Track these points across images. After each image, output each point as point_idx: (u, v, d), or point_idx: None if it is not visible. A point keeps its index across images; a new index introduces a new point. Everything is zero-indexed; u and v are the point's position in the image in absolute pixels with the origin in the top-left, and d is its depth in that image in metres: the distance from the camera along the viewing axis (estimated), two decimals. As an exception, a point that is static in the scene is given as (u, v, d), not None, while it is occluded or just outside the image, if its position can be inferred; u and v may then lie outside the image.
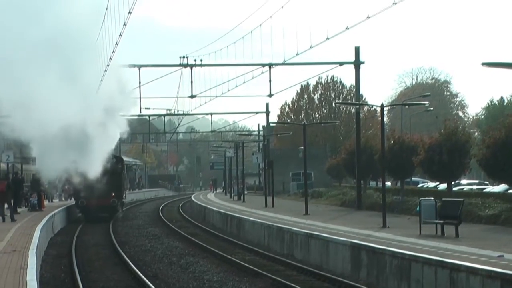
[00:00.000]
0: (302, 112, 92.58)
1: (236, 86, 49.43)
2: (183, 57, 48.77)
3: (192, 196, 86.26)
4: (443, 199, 32.71)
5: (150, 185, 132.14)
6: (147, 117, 79.25)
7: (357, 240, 27.71)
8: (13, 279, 19.42)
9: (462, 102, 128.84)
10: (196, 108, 62.09)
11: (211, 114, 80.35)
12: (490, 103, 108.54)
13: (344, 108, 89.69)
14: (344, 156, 60.93)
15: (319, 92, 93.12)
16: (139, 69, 49.42)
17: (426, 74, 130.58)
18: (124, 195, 64.45)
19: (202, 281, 26.21)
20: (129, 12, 30.64)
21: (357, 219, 39.62)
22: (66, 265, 31.12)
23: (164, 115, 76.83)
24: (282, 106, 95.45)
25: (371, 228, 33.14)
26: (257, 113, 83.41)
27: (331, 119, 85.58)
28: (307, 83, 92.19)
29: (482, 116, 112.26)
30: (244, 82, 48.93)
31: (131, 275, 27.85)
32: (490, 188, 56.28)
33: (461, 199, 30.76)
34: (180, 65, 49.23)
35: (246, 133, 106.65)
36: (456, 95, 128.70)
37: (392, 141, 46.73)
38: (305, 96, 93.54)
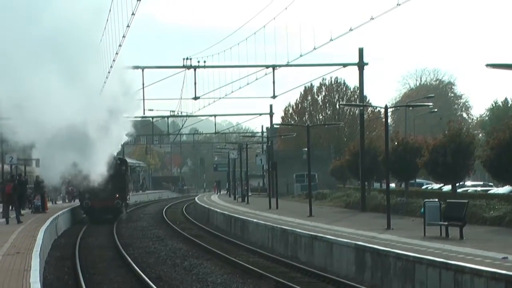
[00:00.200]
0: (306, 113, 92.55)
1: (240, 88, 49.38)
2: (187, 58, 48.74)
3: (196, 198, 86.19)
4: (448, 200, 32.65)
5: (153, 187, 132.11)
6: (150, 119, 79.23)
7: (361, 242, 27.65)
8: (17, 281, 19.40)
9: (466, 103, 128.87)
10: (199, 110, 62.07)
11: (215, 115, 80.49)
12: (494, 104, 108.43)
13: (348, 110, 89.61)
14: (348, 157, 60.84)
15: (323, 93, 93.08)
16: (143, 70, 49.40)
17: (430, 75, 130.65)
18: (128, 197, 64.96)
19: (206, 283, 26.14)
20: (132, 14, 30.58)
21: (361, 221, 39.55)
22: (69, 267, 31.09)
23: (168, 117, 76.74)
24: (286, 107, 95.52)
25: (375, 230, 33.05)
26: (260, 114, 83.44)
27: (335, 120, 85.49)
28: (311, 84, 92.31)
29: (486, 118, 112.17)
30: (248, 84, 48.86)
31: (134, 277, 27.80)
32: (495, 190, 56.21)
33: (466, 201, 30.68)
34: (183, 66, 49.19)
35: (250, 134, 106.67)
36: (460, 97, 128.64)
37: (396, 143, 46.69)
38: (309, 97, 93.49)
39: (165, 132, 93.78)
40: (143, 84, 49.70)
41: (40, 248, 27.63)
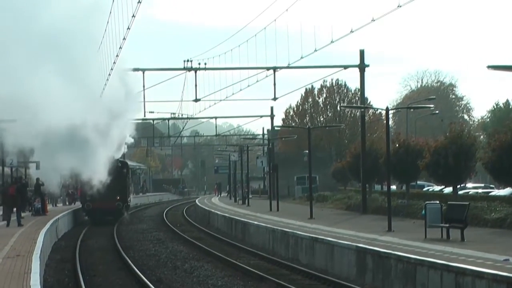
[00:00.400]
0: (307, 115, 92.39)
1: (241, 90, 49.29)
2: (187, 60, 48.73)
3: (197, 200, 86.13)
4: (449, 202, 32.60)
5: (154, 189, 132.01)
6: (151, 121, 79.20)
7: (362, 244, 27.61)
8: (17, 284, 19.36)
9: (468, 105, 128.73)
10: (200, 112, 62.01)
11: (216, 118, 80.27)
12: (495, 106, 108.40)
13: (349, 112, 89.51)
14: (349, 159, 60.80)
15: (324, 95, 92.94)
16: (143, 72, 49.36)
17: (431, 77, 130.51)
18: (129, 199, 65.40)
19: (207, 286, 26.11)
20: (133, 16, 30.55)
21: (362, 223, 39.51)
22: (70, 269, 31.04)
23: (169, 119, 76.75)
24: (287, 109, 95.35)
25: (376, 232, 33.01)
26: (261, 116, 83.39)
27: (336, 122, 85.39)
28: (312, 86, 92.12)
29: (488, 119, 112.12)
30: (249, 86, 48.78)
31: (135, 279, 27.74)
32: (496, 192, 56.18)
33: (467, 203, 30.73)
34: (184, 68, 49.16)
35: (251, 137, 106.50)
36: (461, 98, 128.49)
37: (397, 145, 46.61)
38: (310, 99, 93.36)
39: (166, 134, 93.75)
40: (143, 86, 49.70)
41: (41, 251, 27.58)
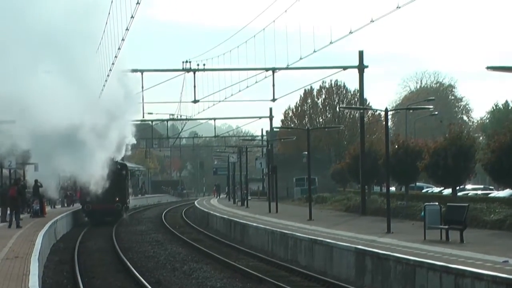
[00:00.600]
0: (306, 116, 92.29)
1: (240, 91, 49.25)
2: (186, 61, 48.69)
3: (196, 202, 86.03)
4: (448, 204, 32.56)
5: (153, 191, 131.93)
6: (150, 122, 79.15)
7: (361, 246, 27.57)
8: (16, 286, 19.37)
9: (467, 106, 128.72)
10: (199, 113, 62.08)
11: (214, 119, 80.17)
12: (495, 107, 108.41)
13: (348, 113, 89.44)
14: (348, 161, 60.74)
15: (323, 96, 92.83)
16: (142, 73, 49.33)
17: (431, 78, 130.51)
18: (128, 200, 66.00)
19: (206, 288, 26.08)
20: (132, 17, 30.46)
21: (362, 225, 39.45)
22: (68, 271, 30.99)
23: (167, 120, 76.69)
24: (286, 110, 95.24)
25: (376, 233, 32.97)
26: (260, 118, 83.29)
27: (335, 123, 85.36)
28: (311, 87, 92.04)
29: (487, 120, 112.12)
30: (248, 87, 48.74)
31: (134, 281, 27.67)
32: (495, 193, 56.15)
33: (466, 204, 30.67)
34: (183, 69, 49.13)
35: (250, 138, 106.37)
36: (460, 99, 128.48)
37: (396, 146, 46.56)
38: (309, 100, 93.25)
39: (165, 136, 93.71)
40: (142, 87, 49.68)
41: (39, 252, 27.56)
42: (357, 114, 76.04)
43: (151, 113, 68.63)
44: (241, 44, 45.00)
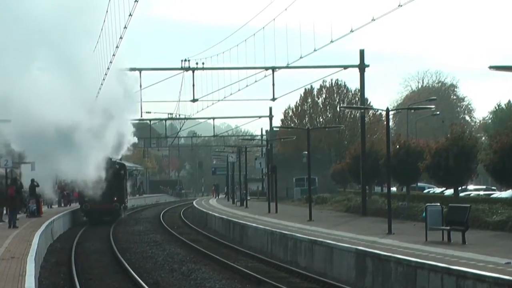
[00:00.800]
0: (306, 116, 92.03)
1: (239, 90, 49.07)
2: (185, 60, 48.47)
3: (194, 202, 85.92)
4: (450, 205, 32.51)
5: (151, 191, 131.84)
6: (148, 121, 78.99)
7: (362, 247, 27.47)
8: (12, 287, 19.24)
9: (469, 106, 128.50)
10: (198, 112, 62.04)
11: (213, 118, 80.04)
12: (497, 107, 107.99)
13: (349, 112, 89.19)
14: (348, 161, 60.53)
15: (323, 96, 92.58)
16: (140, 72, 49.11)
17: (432, 78, 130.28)
18: (126, 200, 66.21)
19: (204, 289, 25.88)
20: (130, 15, 30.22)
21: (362, 225, 39.34)
22: (65, 272, 30.83)
23: (166, 119, 76.50)
24: (286, 110, 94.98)
25: (376, 234, 32.88)
26: (260, 117, 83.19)
27: (336, 123, 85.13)
28: (311, 86, 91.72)
29: (489, 120, 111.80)
30: (247, 86, 48.52)
31: (131, 282, 27.52)
32: (498, 194, 55.85)
33: (468, 205, 30.58)
34: (181, 68, 48.90)
35: (249, 137, 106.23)
36: (462, 99, 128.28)
37: (397, 146, 46.32)
38: (309, 100, 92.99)
39: (163, 135, 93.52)
40: (140, 86, 49.51)
41: (36, 253, 27.55)
42: (357, 114, 75.79)
43: (149, 112, 68.45)
44: (240, 43, 44.83)
